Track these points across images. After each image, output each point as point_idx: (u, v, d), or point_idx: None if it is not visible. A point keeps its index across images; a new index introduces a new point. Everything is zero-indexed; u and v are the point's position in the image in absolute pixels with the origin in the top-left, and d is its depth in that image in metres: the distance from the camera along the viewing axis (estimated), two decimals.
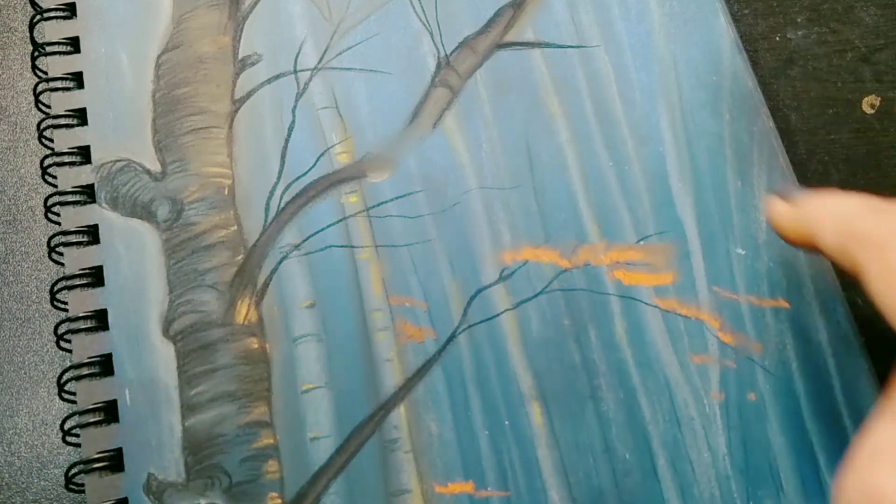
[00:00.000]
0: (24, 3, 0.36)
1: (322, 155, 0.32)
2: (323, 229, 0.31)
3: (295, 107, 0.33)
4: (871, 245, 0.21)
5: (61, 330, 0.30)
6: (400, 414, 0.29)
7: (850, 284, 0.32)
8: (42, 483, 0.30)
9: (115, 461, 0.28)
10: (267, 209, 0.31)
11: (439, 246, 0.31)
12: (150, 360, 0.29)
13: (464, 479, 0.29)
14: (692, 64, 0.34)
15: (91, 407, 0.29)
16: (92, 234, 0.31)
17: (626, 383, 0.30)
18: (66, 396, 0.30)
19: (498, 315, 0.30)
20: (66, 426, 0.29)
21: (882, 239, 0.21)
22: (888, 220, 0.22)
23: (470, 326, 0.30)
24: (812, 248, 0.25)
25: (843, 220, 0.23)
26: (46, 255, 0.32)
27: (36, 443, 0.31)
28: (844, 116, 0.35)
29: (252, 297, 0.30)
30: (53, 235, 0.31)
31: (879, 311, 0.21)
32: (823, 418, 0.29)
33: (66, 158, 0.32)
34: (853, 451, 0.21)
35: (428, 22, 0.34)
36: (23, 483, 0.30)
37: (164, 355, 0.29)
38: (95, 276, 0.30)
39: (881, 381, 0.29)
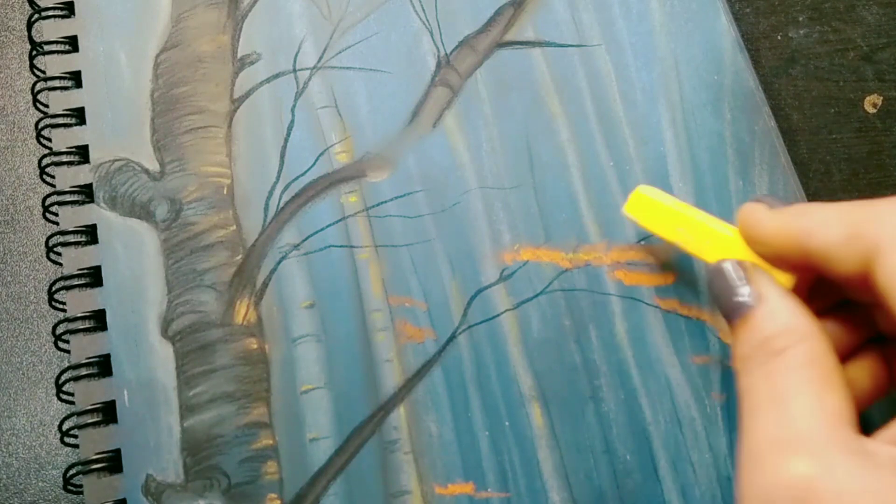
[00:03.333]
0: (22, 2, 0.36)
1: (321, 154, 0.32)
2: (322, 229, 0.31)
3: (294, 106, 0.33)
4: (889, 222, 0.21)
5: (59, 330, 0.30)
6: (400, 415, 0.29)
7: None
8: (40, 484, 0.30)
9: (113, 462, 0.28)
10: (266, 209, 0.31)
11: (439, 246, 0.31)
12: (148, 361, 0.29)
13: (464, 480, 0.29)
14: (693, 63, 0.34)
15: (89, 408, 0.29)
16: (90, 234, 0.31)
17: (627, 384, 0.30)
18: (64, 397, 0.29)
19: (498, 315, 0.30)
20: (65, 427, 0.29)
21: None
22: None
23: (470, 327, 0.30)
24: (785, 258, 0.24)
25: (855, 209, 0.22)
26: (44, 254, 0.32)
27: (34, 444, 0.30)
28: (846, 116, 0.35)
29: (251, 298, 0.30)
30: (51, 235, 0.31)
31: (887, 294, 0.21)
32: None
33: (65, 158, 0.32)
34: (747, 450, 0.21)
35: (428, 21, 0.34)
36: (21, 484, 0.30)
37: (163, 356, 0.29)
38: (94, 277, 0.30)
39: None
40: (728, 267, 0.25)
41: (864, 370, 0.25)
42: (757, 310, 0.23)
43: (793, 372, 0.22)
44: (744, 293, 0.24)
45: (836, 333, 0.25)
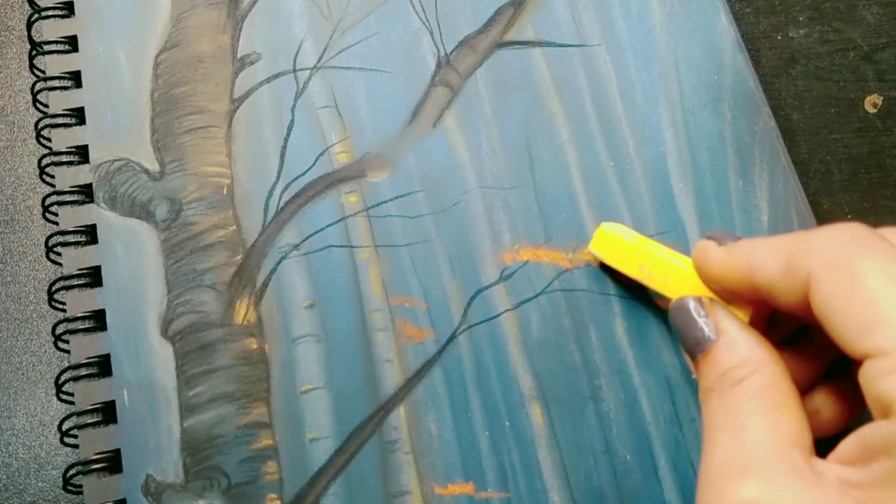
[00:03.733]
0: (22, 2, 0.36)
1: (321, 154, 0.32)
2: (322, 229, 0.31)
3: (294, 106, 0.33)
4: (822, 251, 0.22)
5: (59, 330, 0.30)
6: (400, 415, 0.29)
7: None
8: (40, 484, 0.30)
9: (113, 462, 0.28)
10: (266, 209, 0.31)
11: (439, 246, 0.31)
12: (148, 361, 0.29)
13: (464, 481, 0.29)
14: (693, 63, 0.34)
15: (89, 408, 0.29)
16: (90, 234, 0.31)
17: (627, 384, 0.30)
18: (63, 397, 0.29)
19: (498, 315, 0.30)
20: (64, 427, 0.29)
21: (833, 244, 0.22)
22: (836, 229, 0.22)
23: (470, 327, 0.30)
24: (731, 292, 0.25)
25: (790, 240, 0.23)
26: (44, 255, 0.32)
27: (34, 444, 0.30)
28: (846, 116, 0.35)
29: (251, 298, 0.30)
30: (51, 235, 0.31)
31: (825, 321, 0.21)
32: None
33: (64, 158, 0.32)
34: (702, 474, 0.22)
35: (428, 21, 0.34)
36: (20, 484, 0.30)
37: (163, 356, 0.29)
38: (93, 277, 0.30)
39: None
40: (689, 303, 0.26)
41: (831, 395, 0.25)
42: (716, 344, 0.24)
43: (748, 399, 0.23)
44: (704, 328, 0.25)
45: (801, 359, 0.26)
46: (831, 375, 0.26)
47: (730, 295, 0.25)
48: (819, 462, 0.21)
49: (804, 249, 0.22)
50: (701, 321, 0.25)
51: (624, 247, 0.29)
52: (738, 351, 0.24)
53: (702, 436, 0.24)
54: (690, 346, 0.25)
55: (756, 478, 0.21)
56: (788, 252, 0.23)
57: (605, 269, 0.31)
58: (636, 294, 0.31)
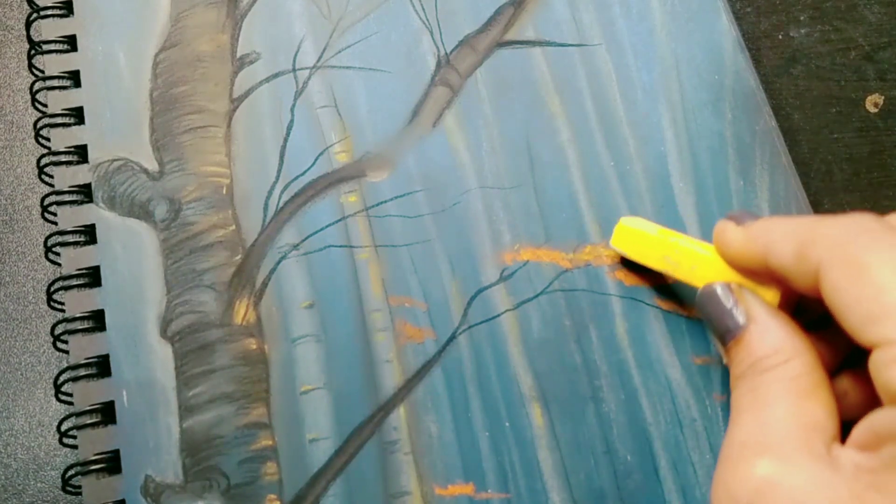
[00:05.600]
0: (21, 1, 0.36)
1: (321, 154, 0.32)
2: (322, 229, 0.31)
3: (294, 106, 0.33)
4: (831, 242, 0.22)
5: (58, 331, 0.30)
6: (399, 415, 0.29)
7: None
8: (39, 485, 0.30)
9: (112, 463, 0.28)
10: (265, 209, 0.31)
11: (439, 246, 0.31)
12: (147, 361, 0.29)
13: (464, 481, 0.28)
14: (694, 63, 0.34)
15: (88, 408, 0.29)
16: (89, 234, 0.31)
17: (628, 384, 0.30)
18: (62, 398, 0.29)
19: (498, 315, 0.30)
20: (63, 428, 0.29)
21: (841, 235, 0.22)
22: (845, 220, 0.22)
23: (470, 327, 0.30)
24: (757, 272, 0.25)
25: (802, 227, 0.23)
26: (43, 255, 0.32)
27: (32, 444, 0.30)
28: (848, 115, 0.35)
29: (250, 298, 0.30)
30: (50, 235, 0.31)
31: (835, 310, 0.21)
32: None
33: (63, 158, 0.32)
34: (723, 453, 0.23)
35: (428, 20, 0.34)
36: (19, 485, 0.30)
37: (162, 356, 0.29)
38: (92, 277, 0.30)
39: None
40: (717, 290, 0.26)
41: (859, 378, 0.25)
42: (747, 331, 0.24)
43: (776, 383, 0.23)
44: (734, 315, 0.25)
45: (830, 341, 0.25)
46: (860, 357, 0.26)
47: (756, 276, 0.25)
48: (837, 447, 0.21)
49: (814, 239, 0.22)
50: (731, 308, 0.25)
51: (646, 239, 0.29)
52: (770, 339, 0.24)
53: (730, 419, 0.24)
54: (721, 333, 0.25)
55: (771, 457, 0.21)
56: (800, 239, 0.23)
57: (627, 264, 0.30)
58: (636, 294, 0.30)
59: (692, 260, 0.27)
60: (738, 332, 0.24)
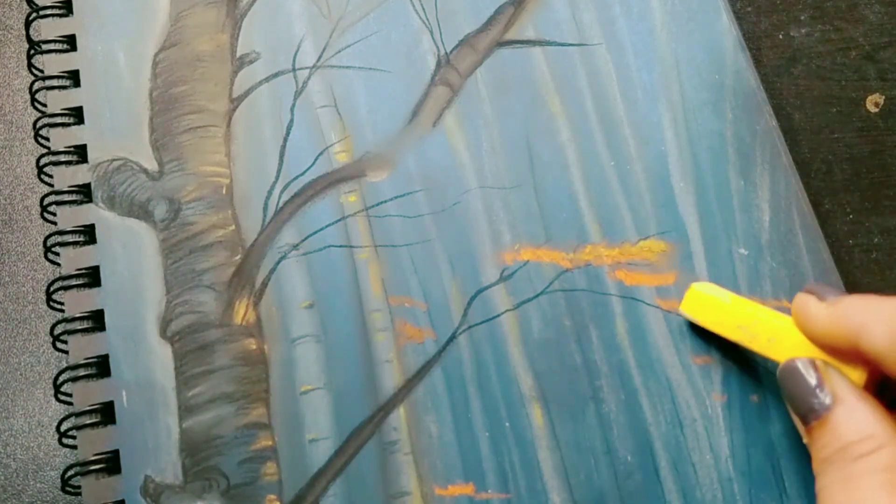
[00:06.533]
0: (20, 1, 0.36)
1: (321, 154, 0.32)
2: (322, 229, 0.31)
3: (293, 105, 0.33)
4: None
5: (57, 331, 0.30)
6: (399, 415, 0.29)
7: (854, 286, 0.32)
8: (38, 485, 0.30)
9: (111, 463, 0.28)
10: (265, 209, 0.31)
11: (439, 246, 0.31)
12: (147, 362, 0.29)
13: (464, 482, 0.28)
14: (694, 62, 0.33)
15: (88, 408, 0.29)
16: (88, 234, 0.31)
17: (628, 384, 0.30)
18: (62, 398, 0.29)
19: (498, 315, 0.30)
20: (63, 428, 0.29)
21: None
22: None
23: (470, 327, 0.30)
24: (841, 350, 0.24)
25: None
26: (42, 255, 0.32)
27: (32, 445, 0.30)
28: (848, 115, 0.35)
29: (250, 298, 0.30)
30: (49, 235, 0.31)
31: None
32: None
33: (63, 157, 0.32)
34: None
35: (428, 20, 0.34)
36: (19, 485, 0.30)
37: (162, 356, 0.29)
38: (92, 277, 0.30)
39: None
40: (800, 366, 0.24)
41: None
42: (833, 413, 0.23)
43: (868, 476, 0.22)
44: (819, 395, 0.24)
45: None
46: None
47: (839, 354, 0.24)
48: None
49: None
50: (814, 387, 0.24)
51: (719, 307, 0.28)
52: (858, 423, 0.23)
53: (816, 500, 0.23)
54: (803, 412, 0.24)
55: None
56: None
57: (695, 328, 0.30)
58: (637, 294, 0.30)
59: (770, 332, 0.26)
60: (822, 412, 0.23)
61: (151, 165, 0.32)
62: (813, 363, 0.24)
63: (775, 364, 0.26)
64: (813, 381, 0.24)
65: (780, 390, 0.25)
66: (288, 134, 0.32)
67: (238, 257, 0.31)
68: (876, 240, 0.33)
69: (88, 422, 0.28)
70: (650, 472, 0.29)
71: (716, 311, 0.28)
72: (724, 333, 0.28)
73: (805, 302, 0.25)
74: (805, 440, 0.25)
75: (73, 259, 0.30)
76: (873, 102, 0.35)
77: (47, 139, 0.32)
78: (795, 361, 0.25)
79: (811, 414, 0.24)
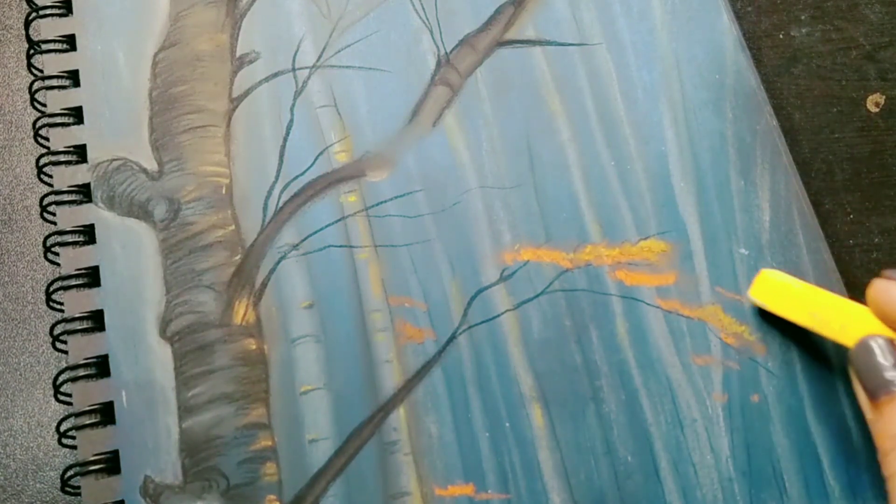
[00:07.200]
0: (20, 1, 0.36)
1: (321, 154, 0.32)
2: (322, 229, 0.31)
3: (293, 105, 0.33)
4: None
5: (57, 331, 0.30)
6: (399, 416, 0.29)
7: (854, 286, 0.32)
8: (37, 486, 0.30)
9: (111, 463, 0.28)
10: (265, 209, 0.31)
11: (439, 246, 0.31)
12: (146, 362, 0.29)
13: (464, 482, 0.28)
14: (695, 62, 0.33)
15: (87, 409, 0.29)
16: (88, 234, 0.31)
17: (628, 384, 0.30)
18: (62, 398, 0.29)
19: (498, 316, 0.30)
20: (62, 428, 0.29)
21: None
22: None
23: (470, 327, 0.30)
24: None
25: None
26: (42, 255, 0.32)
27: (31, 445, 0.30)
28: (848, 115, 0.35)
29: (250, 298, 0.30)
30: (49, 235, 0.31)
31: None
32: (827, 420, 0.29)
33: (62, 157, 0.31)
34: None
35: (427, 19, 0.34)
36: (18, 486, 0.30)
37: (161, 356, 0.29)
38: (91, 277, 0.30)
39: None
40: (875, 344, 0.25)
41: None
42: None
43: None
44: (894, 370, 0.24)
45: None
46: None
47: None
48: None
49: None
50: (889, 362, 0.24)
51: (791, 293, 0.28)
52: None
53: (888, 488, 0.23)
54: (873, 386, 0.25)
55: None
56: None
57: (764, 314, 0.30)
58: (637, 294, 0.30)
59: (843, 317, 0.27)
60: (893, 388, 0.24)
61: (151, 165, 0.32)
62: (888, 341, 0.25)
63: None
64: (887, 357, 0.25)
65: (851, 366, 0.26)
66: (288, 134, 0.32)
67: (238, 257, 0.31)
68: (876, 240, 0.33)
69: (88, 422, 0.28)
70: (650, 472, 0.29)
71: (787, 297, 0.29)
72: (795, 319, 0.28)
73: (886, 287, 0.25)
74: (869, 417, 0.25)
75: (73, 259, 0.30)
76: (874, 102, 0.35)
77: (47, 139, 0.32)
78: (871, 338, 0.25)
79: (882, 389, 0.24)
